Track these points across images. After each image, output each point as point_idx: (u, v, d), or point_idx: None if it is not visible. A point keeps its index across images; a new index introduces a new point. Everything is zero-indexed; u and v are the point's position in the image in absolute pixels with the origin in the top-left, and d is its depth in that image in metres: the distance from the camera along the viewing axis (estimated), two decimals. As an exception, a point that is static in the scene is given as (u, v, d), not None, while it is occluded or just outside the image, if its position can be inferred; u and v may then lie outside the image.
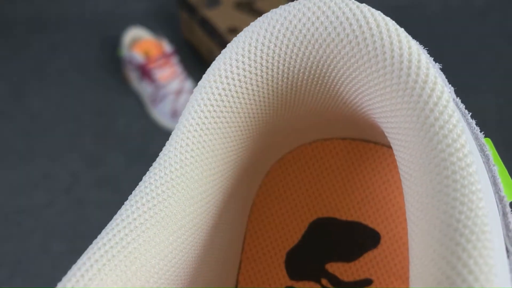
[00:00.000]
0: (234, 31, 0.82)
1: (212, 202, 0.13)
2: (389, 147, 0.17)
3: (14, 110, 0.83)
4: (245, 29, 0.12)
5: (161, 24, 0.99)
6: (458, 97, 0.13)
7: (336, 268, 0.17)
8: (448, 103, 0.09)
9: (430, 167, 0.09)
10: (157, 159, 0.12)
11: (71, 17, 1.01)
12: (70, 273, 0.10)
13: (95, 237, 0.10)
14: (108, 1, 1.02)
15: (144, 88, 0.82)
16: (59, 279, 0.10)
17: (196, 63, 0.91)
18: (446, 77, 0.13)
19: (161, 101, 0.79)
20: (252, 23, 0.12)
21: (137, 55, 0.80)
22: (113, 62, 0.91)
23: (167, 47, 0.83)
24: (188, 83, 0.82)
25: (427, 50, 0.12)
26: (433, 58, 0.12)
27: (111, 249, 0.10)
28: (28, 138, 0.79)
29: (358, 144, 0.18)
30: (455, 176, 0.09)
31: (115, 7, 1.02)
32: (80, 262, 0.10)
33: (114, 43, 0.95)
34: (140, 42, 0.82)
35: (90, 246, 0.10)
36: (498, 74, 0.90)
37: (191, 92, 0.81)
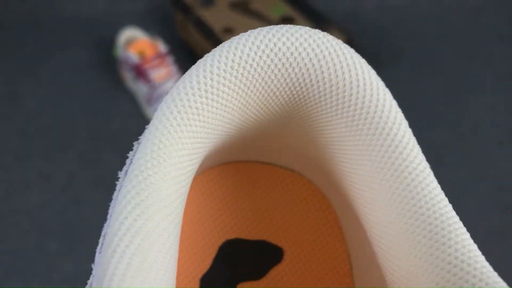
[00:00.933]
0: (229, 31, 0.83)
1: (179, 217, 0.13)
2: (295, 171, 0.18)
3: (9, 110, 0.83)
4: (225, 43, 0.12)
5: (156, 24, 0.99)
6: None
7: (247, 287, 0.18)
8: (402, 121, 0.12)
9: (393, 176, 0.12)
10: (132, 167, 0.11)
11: (66, 18, 1.01)
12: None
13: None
14: (103, 2, 1.02)
15: (139, 88, 0.82)
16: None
17: (191, 63, 0.91)
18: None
19: (156, 101, 0.80)
20: (234, 39, 0.12)
21: (132, 55, 0.80)
22: (108, 62, 0.91)
23: (162, 47, 0.83)
24: (183, 83, 0.82)
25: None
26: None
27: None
28: (24, 138, 0.79)
29: (257, 166, 0.18)
30: (418, 178, 0.11)
31: (110, 8, 1.02)
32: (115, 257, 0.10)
33: (109, 43, 0.95)
34: (135, 42, 0.82)
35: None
36: (491, 73, 0.90)
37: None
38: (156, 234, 0.10)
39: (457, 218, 0.11)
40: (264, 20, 0.85)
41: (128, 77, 0.84)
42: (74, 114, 0.83)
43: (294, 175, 0.18)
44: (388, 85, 0.87)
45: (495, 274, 0.10)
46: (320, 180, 0.18)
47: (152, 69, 0.80)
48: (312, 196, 0.18)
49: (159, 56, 0.81)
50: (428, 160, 0.76)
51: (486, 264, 0.10)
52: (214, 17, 0.85)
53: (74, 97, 0.85)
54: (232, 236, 0.18)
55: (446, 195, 0.72)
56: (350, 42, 0.80)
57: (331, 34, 0.82)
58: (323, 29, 0.83)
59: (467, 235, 0.11)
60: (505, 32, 0.99)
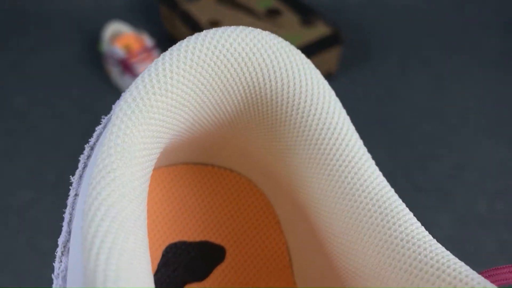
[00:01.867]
0: (216, 24, 0.82)
1: (144, 218, 0.12)
2: (234, 171, 0.19)
3: (-6, 108, 0.83)
4: (182, 43, 0.12)
5: (141, 18, 0.98)
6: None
7: None
8: (345, 116, 0.13)
9: (342, 166, 0.13)
10: (97, 168, 0.11)
11: (50, 14, 1.00)
12: None
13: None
14: (87, -5, 1.01)
15: (126, 83, 0.81)
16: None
17: (178, 56, 0.91)
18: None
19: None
20: (190, 38, 0.12)
21: (118, 50, 0.80)
22: (95, 58, 0.91)
23: (148, 41, 0.82)
24: (170, 77, 0.82)
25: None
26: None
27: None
28: (13, 137, 0.78)
29: (198, 167, 0.18)
30: (364, 166, 0.13)
31: (95, 2, 1.01)
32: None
33: (95, 38, 0.94)
34: (120, 37, 0.82)
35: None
36: (478, 64, 0.92)
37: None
38: (133, 238, 0.10)
39: (399, 200, 0.12)
40: (251, 13, 0.85)
41: (114, 71, 0.84)
42: (63, 111, 0.82)
43: (233, 175, 0.19)
44: (376, 77, 0.88)
45: (440, 245, 0.12)
46: (258, 177, 0.18)
47: (138, 63, 0.80)
48: (250, 193, 0.19)
49: (145, 50, 0.81)
50: (417, 150, 0.77)
51: (430, 236, 0.12)
52: (200, 10, 0.85)
53: (62, 94, 0.85)
54: (175, 239, 0.18)
55: (436, 184, 0.73)
56: (336, 35, 0.81)
57: (318, 27, 0.82)
58: (309, 22, 0.83)
59: (411, 215, 0.12)
60: (491, 23, 1.00)
